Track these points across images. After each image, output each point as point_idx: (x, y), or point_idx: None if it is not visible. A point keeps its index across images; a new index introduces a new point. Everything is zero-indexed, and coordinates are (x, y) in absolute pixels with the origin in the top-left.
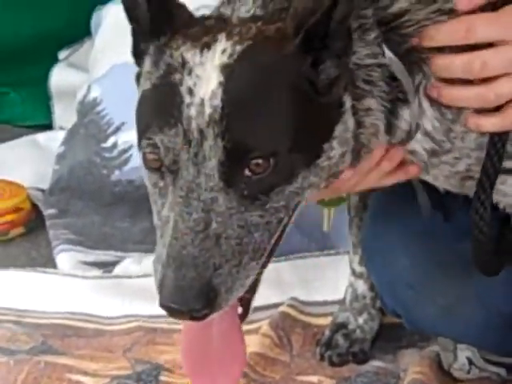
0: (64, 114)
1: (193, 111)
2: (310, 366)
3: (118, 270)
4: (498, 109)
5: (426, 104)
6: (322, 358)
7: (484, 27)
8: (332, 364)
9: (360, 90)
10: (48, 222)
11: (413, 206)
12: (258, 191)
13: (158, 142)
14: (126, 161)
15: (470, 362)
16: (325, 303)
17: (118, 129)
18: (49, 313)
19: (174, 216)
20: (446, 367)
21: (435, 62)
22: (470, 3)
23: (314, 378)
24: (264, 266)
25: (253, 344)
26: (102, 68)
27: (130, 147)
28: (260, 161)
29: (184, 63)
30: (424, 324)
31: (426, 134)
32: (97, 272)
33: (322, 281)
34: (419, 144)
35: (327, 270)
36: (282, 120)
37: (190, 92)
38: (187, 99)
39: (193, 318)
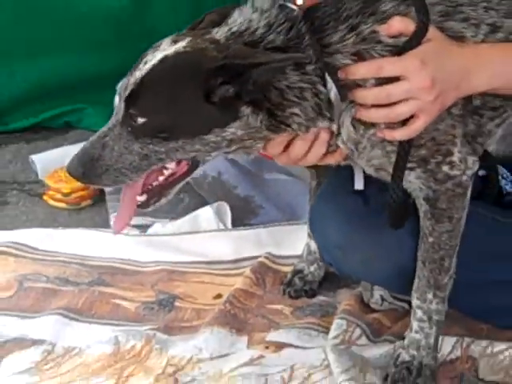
0: None
1: (127, 85)
2: (277, 298)
3: (150, 230)
4: (403, 124)
5: (347, 121)
6: (284, 292)
7: (389, 67)
8: (290, 297)
9: (289, 101)
10: (107, 197)
11: (344, 192)
12: (138, 133)
13: (114, 103)
14: None
15: (382, 299)
16: (289, 257)
17: None
18: (104, 258)
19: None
20: (366, 301)
21: (355, 94)
22: (390, 29)
23: (279, 306)
24: (166, 194)
25: (238, 283)
26: None
27: None
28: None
29: (147, 54)
30: (349, 272)
31: (343, 142)
32: (136, 232)
33: (289, 242)
34: (341, 144)
35: (292, 234)
36: (166, 102)
37: (135, 74)
38: (131, 79)
39: (80, 181)
